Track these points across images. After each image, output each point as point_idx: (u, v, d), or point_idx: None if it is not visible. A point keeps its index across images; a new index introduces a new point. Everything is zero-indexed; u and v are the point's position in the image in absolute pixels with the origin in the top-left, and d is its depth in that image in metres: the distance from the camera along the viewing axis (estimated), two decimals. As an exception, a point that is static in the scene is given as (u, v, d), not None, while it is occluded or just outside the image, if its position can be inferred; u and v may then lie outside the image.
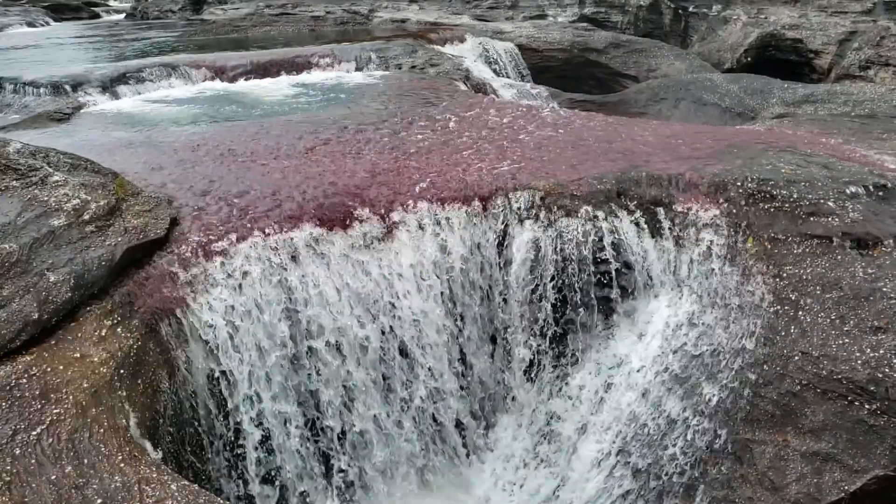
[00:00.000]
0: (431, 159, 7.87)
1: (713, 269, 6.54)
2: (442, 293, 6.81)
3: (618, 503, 6.23)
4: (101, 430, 4.47)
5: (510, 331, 7.16)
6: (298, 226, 6.39)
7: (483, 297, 7.07)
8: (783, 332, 5.74)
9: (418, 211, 6.85)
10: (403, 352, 6.67)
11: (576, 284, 6.95)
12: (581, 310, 7.03)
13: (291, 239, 6.28)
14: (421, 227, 6.80)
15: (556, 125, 9.32)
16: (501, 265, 7.04)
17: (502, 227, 7.02)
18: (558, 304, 7.05)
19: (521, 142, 8.51)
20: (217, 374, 5.74)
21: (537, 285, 6.97)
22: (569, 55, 19.28)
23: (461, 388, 7.08)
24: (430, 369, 6.80)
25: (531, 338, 7.15)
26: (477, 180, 7.26)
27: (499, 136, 8.78)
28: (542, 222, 6.95)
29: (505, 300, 7.10)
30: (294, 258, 6.22)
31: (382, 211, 6.77)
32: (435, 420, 6.95)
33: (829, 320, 5.62)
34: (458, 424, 7.14)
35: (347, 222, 6.58)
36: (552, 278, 6.93)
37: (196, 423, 5.71)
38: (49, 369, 4.63)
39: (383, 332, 6.54)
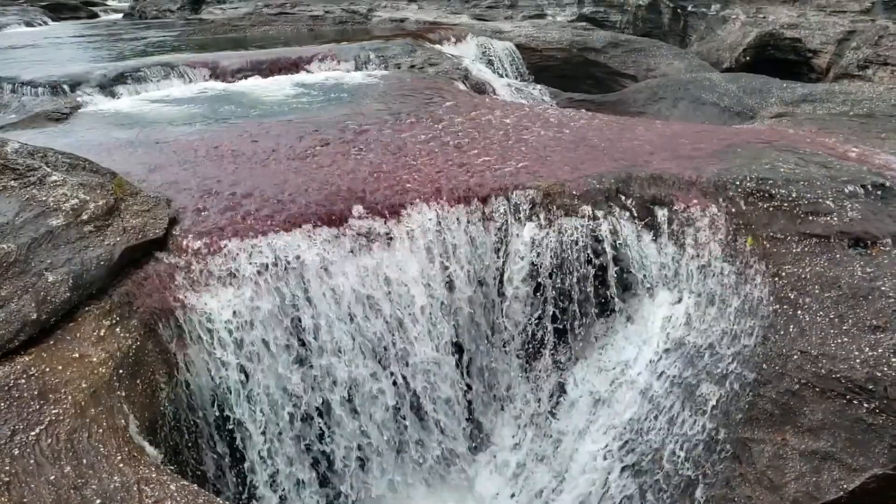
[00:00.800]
0: (433, 160, 7.86)
1: (712, 269, 6.54)
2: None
3: (618, 500, 6.24)
4: (100, 431, 4.46)
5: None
6: (299, 230, 6.37)
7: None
8: (782, 332, 5.74)
9: (422, 214, 6.87)
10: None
11: (574, 284, 6.95)
12: (580, 309, 7.03)
13: (296, 256, 6.25)
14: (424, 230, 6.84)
15: (556, 125, 9.32)
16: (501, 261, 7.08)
17: (502, 226, 7.03)
18: (559, 300, 7.06)
19: (520, 141, 8.50)
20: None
21: (538, 284, 6.98)
22: (568, 55, 19.27)
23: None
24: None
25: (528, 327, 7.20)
26: (479, 182, 7.26)
27: (498, 136, 8.77)
28: (542, 222, 6.95)
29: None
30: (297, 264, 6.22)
31: (386, 215, 6.75)
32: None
33: (827, 319, 5.62)
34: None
35: (348, 225, 6.57)
36: (551, 276, 6.93)
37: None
38: (48, 369, 4.62)
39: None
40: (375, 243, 6.56)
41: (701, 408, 5.95)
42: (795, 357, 5.53)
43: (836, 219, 6.24)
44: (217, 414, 5.77)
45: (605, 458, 6.45)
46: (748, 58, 19.55)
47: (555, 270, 6.91)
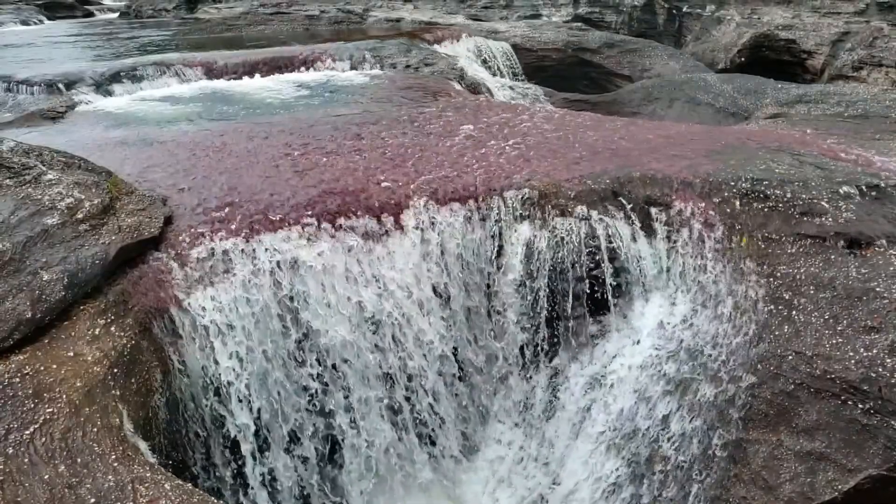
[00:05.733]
0: (426, 159, 7.86)
1: (707, 269, 6.55)
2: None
3: (613, 502, 6.24)
4: (95, 430, 4.45)
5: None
6: (293, 228, 6.36)
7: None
8: (777, 332, 5.75)
9: (416, 213, 6.86)
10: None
11: (569, 283, 6.95)
12: (574, 307, 7.04)
13: (291, 253, 6.24)
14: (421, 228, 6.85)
15: (551, 125, 9.32)
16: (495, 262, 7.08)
17: (497, 226, 7.04)
18: (554, 299, 7.06)
19: (515, 141, 8.50)
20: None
21: (533, 286, 6.98)
22: (563, 55, 19.30)
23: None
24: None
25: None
26: (473, 181, 7.25)
27: (492, 136, 8.77)
28: (537, 222, 6.95)
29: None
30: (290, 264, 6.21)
31: (381, 214, 6.74)
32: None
33: (822, 320, 5.63)
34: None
35: (344, 224, 6.56)
36: (546, 275, 6.93)
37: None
38: (42, 368, 4.61)
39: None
40: (370, 241, 6.56)
41: (695, 408, 5.95)
42: (790, 357, 5.54)
43: (830, 220, 6.25)
44: (212, 411, 5.75)
45: (599, 458, 6.46)
46: (743, 58, 19.62)
47: (550, 270, 6.91)
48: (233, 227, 6.23)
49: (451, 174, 7.40)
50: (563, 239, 6.89)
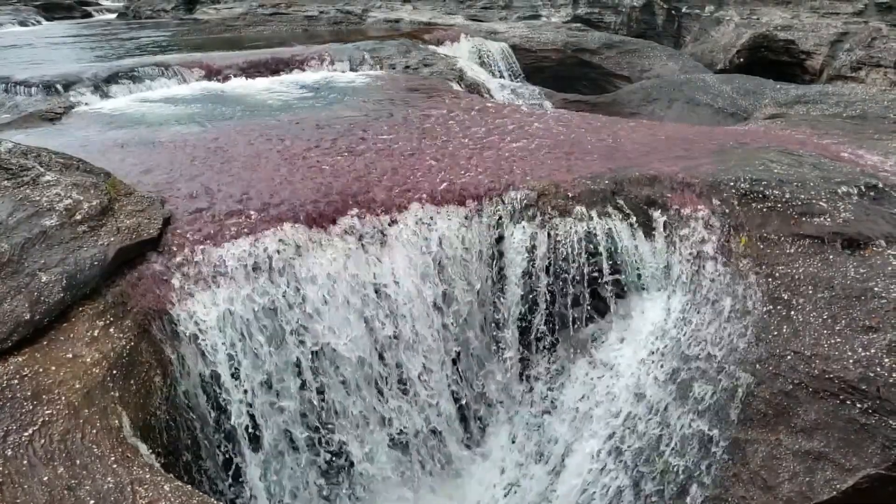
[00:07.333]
0: (424, 161, 7.87)
1: (705, 269, 6.55)
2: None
3: (611, 502, 6.24)
4: (94, 431, 4.45)
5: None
6: (292, 229, 6.35)
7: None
8: (775, 332, 5.75)
9: (414, 213, 6.86)
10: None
11: (568, 283, 6.95)
12: (573, 308, 7.04)
13: (289, 254, 6.25)
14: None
15: (550, 126, 9.32)
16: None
17: (496, 226, 7.04)
18: (553, 299, 7.07)
19: (513, 142, 8.51)
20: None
21: (533, 284, 6.99)
22: (562, 55, 19.32)
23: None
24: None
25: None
26: (471, 182, 7.26)
27: (490, 137, 8.78)
28: (537, 223, 6.96)
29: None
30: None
31: (380, 214, 6.74)
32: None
33: (820, 320, 5.63)
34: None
35: (342, 225, 6.56)
36: (545, 275, 6.94)
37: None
38: (41, 370, 4.61)
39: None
40: (367, 242, 6.56)
41: (694, 408, 5.96)
42: (789, 357, 5.54)
43: (829, 220, 6.25)
44: (212, 413, 5.75)
45: (599, 459, 6.46)
46: (742, 59, 19.62)
47: (549, 270, 6.92)
48: (232, 227, 6.22)
49: (448, 174, 7.40)
50: (561, 239, 6.89)
